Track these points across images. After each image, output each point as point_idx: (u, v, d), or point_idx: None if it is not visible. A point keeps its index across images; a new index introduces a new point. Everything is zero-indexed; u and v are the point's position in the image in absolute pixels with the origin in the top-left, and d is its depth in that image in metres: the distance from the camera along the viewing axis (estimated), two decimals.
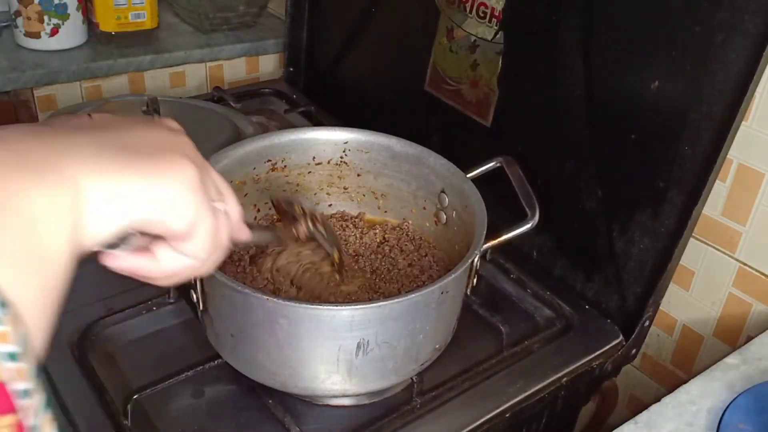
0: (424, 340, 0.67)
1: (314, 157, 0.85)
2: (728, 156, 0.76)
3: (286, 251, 0.74)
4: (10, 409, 0.27)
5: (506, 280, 0.91)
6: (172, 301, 0.82)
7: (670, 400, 0.71)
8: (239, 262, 0.79)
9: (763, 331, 0.80)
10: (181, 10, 1.44)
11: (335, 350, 0.64)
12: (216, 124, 1.07)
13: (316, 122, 1.20)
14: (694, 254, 0.88)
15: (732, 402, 0.69)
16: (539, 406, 0.79)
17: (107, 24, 1.27)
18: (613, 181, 0.83)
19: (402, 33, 1.11)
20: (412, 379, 0.72)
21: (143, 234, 0.40)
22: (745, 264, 0.84)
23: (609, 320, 0.85)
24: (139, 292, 0.81)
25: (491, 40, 0.93)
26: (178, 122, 0.45)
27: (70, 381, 0.71)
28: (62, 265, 0.32)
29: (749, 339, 0.82)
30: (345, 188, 0.88)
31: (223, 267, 0.77)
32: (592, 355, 0.81)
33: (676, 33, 0.73)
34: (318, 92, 1.31)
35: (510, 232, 0.74)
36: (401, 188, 0.86)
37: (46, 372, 0.72)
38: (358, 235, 0.87)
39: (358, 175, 0.87)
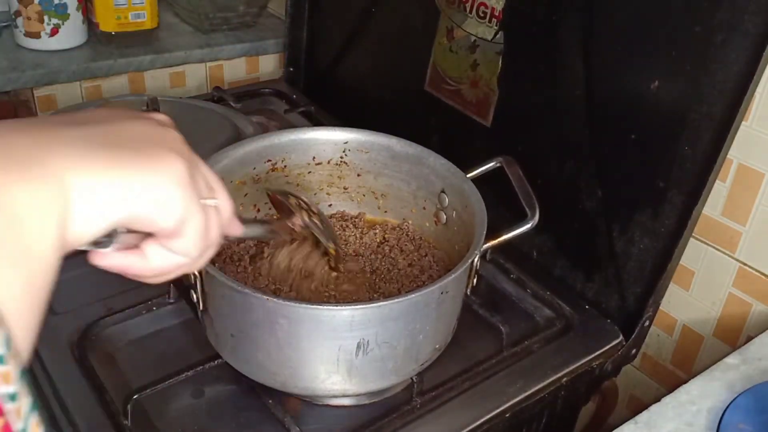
0: (424, 340, 0.67)
1: (314, 157, 0.85)
2: (728, 156, 0.76)
3: (279, 255, 0.74)
4: None
5: (506, 280, 0.91)
6: (172, 301, 0.82)
7: (670, 400, 0.71)
8: (239, 262, 0.79)
9: (763, 331, 0.80)
10: (181, 10, 1.44)
11: (335, 350, 0.64)
12: (216, 124, 1.07)
13: (316, 122, 1.20)
14: (694, 254, 0.88)
15: (732, 402, 0.69)
16: (539, 406, 0.79)
17: (107, 24, 1.27)
18: (613, 181, 0.83)
19: (402, 33, 1.11)
20: (412, 379, 0.72)
21: (132, 231, 0.39)
22: (745, 264, 0.84)
23: (609, 320, 0.85)
24: (139, 292, 0.81)
25: (491, 40, 0.93)
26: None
27: (70, 381, 0.71)
28: (48, 264, 0.32)
29: (749, 339, 0.82)
30: (345, 188, 0.88)
31: (223, 267, 0.77)
32: (592, 355, 0.81)
33: (676, 33, 0.73)
34: (318, 92, 1.31)
35: (510, 232, 0.74)
36: (401, 188, 0.86)
37: (46, 372, 0.72)
38: (358, 235, 0.87)
39: (358, 175, 0.87)
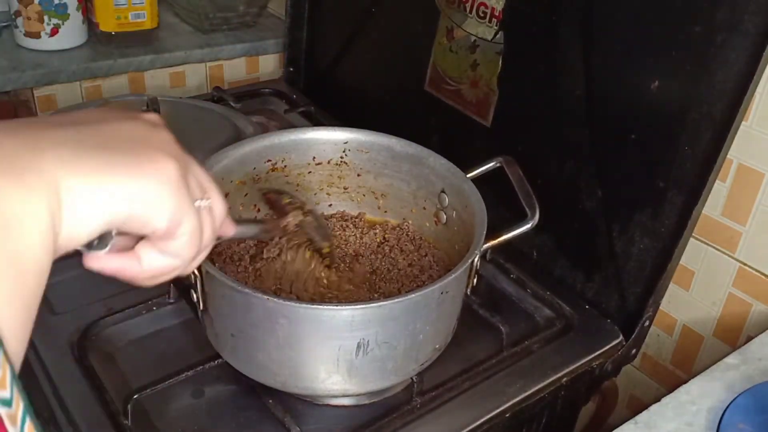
0: (424, 340, 0.67)
1: (314, 157, 0.85)
2: (728, 156, 0.76)
3: (272, 261, 0.74)
4: None
5: (506, 280, 0.91)
6: (172, 301, 0.82)
7: (670, 400, 0.71)
8: (239, 262, 0.79)
9: (763, 331, 0.80)
10: (181, 10, 1.44)
11: (335, 350, 0.64)
12: (216, 124, 1.07)
13: (316, 122, 1.20)
14: (694, 254, 0.88)
15: (732, 402, 0.69)
16: (539, 406, 0.79)
17: (107, 24, 1.27)
18: (613, 181, 0.83)
19: (402, 33, 1.11)
20: (412, 379, 0.72)
21: (125, 234, 0.38)
22: (745, 264, 0.84)
23: (609, 320, 0.85)
24: (139, 292, 0.81)
25: (491, 40, 0.93)
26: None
27: (70, 381, 0.71)
28: (39, 267, 0.31)
29: (749, 339, 0.82)
30: (345, 188, 0.88)
31: (223, 267, 0.77)
32: (592, 355, 0.81)
33: (676, 33, 0.73)
34: (318, 92, 1.31)
35: (510, 232, 0.74)
36: (401, 188, 0.86)
37: (46, 372, 0.72)
38: (358, 235, 0.87)
39: (358, 175, 0.87)
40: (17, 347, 0.30)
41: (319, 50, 1.31)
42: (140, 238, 0.40)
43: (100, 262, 0.40)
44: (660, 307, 0.87)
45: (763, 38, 0.66)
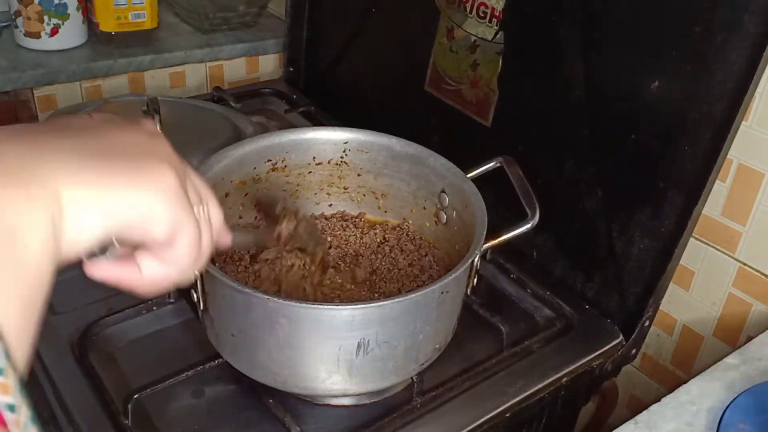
0: (424, 340, 0.67)
1: (314, 157, 0.85)
2: (728, 156, 0.76)
3: (271, 264, 0.74)
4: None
5: (506, 280, 0.91)
6: (172, 301, 0.82)
7: (670, 400, 0.71)
8: (239, 262, 0.79)
9: (763, 331, 0.80)
10: (181, 10, 1.44)
11: (335, 350, 0.64)
12: (216, 124, 1.07)
13: (316, 122, 1.20)
14: (694, 254, 0.88)
15: (732, 402, 0.69)
16: (539, 406, 0.79)
17: (107, 24, 1.27)
18: (613, 181, 0.83)
19: (402, 33, 1.11)
20: (412, 379, 0.72)
21: (125, 243, 0.39)
22: (745, 264, 0.84)
23: (609, 320, 0.85)
24: None
25: (491, 40, 0.93)
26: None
27: (70, 381, 0.71)
28: (42, 275, 0.31)
29: (749, 339, 0.82)
30: (345, 188, 0.88)
31: (223, 267, 0.77)
32: (592, 355, 0.81)
33: (676, 33, 0.73)
34: (318, 92, 1.31)
35: (510, 232, 0.74)
36: (401, 188, 0.86)
37: (46, 372, 0.72)
38: (358, 235, 0.87)
39: (358, 175, 0.87)
40: (22, 355, 0.30)
41: (319, 50, 1.31)
42: (137, 246, 0.40)
43: (101, 270, 0.40)
44: (660, 307, 0.87)
45: (763, 38, 0.66)
